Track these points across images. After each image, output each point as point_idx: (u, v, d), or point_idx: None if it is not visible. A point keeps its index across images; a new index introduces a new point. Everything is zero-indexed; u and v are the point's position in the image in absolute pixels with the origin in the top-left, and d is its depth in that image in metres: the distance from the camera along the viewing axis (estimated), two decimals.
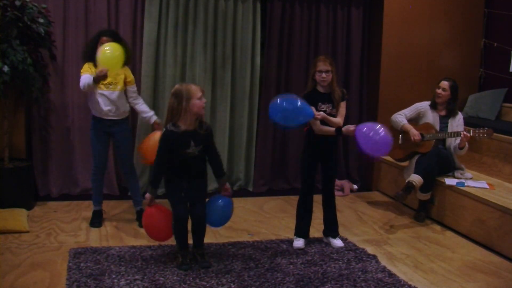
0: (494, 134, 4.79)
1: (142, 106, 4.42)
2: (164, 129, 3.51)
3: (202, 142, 3.54)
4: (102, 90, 4.20)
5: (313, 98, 3.89)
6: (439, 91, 4.83)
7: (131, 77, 4.35)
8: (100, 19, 5.09)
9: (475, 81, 5.99)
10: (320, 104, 3.89)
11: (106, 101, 4.20)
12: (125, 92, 4.32)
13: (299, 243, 4.06)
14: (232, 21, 5.46)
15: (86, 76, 4.08)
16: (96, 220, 4.41)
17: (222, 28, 5.42)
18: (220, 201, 3.72)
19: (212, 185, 4.69)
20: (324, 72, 3.85)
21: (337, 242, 4.11)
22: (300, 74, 5.66)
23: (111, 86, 4.22)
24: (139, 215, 4.49)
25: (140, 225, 4.43)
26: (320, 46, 5.71)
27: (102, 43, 4.09)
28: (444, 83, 4.83)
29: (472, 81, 5.97)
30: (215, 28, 5.41)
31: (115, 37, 4.19)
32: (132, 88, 4.36)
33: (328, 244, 4.14)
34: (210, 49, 5.40)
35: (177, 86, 3.54)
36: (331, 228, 4.17)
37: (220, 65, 5.44)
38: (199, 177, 3.64)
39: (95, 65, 4.09)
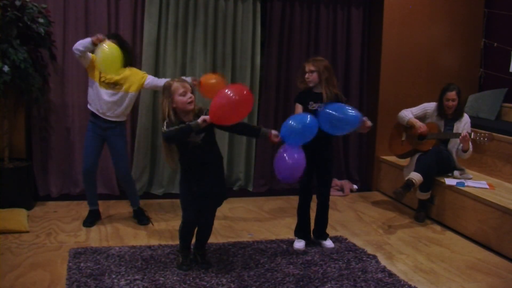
0: (494, 134, 4.78)
1: (157, 81, 4.32)
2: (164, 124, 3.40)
3: (202, 130, 3.38)
4: (106, 89, 4.19)
5: (305, 97, 3.99)
6: (449, 103, 4.79)
7: (141, 75, 4.29)
8: (100, 19, 5.09)
9: (475, 81, 5.99)
10: (311, 103, 3.94)
11: (107, 99, 4.18)
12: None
13: (300, 244, 4.06)
14: (232, 21, 5.46)
15: (85, 39, 4.04)
16: (89, 220, 4.41)
17: (222, 28, 5.42)
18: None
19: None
20: (307, 73, 3.94)
21: (328, 243, 4.11)
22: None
23: (116, 87, 4.21)
24: (136, 213, 4.53)
25: (140, 223, 4.44)
26: (320, 46, 5.71)
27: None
28: (452, 94, 4.78)
29: (472, 81, 5.97)
30: (215, 28, 5.41)
31: (119, 40, 4.20)
32: (148, 80, 4.29)
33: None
34: (210, 49, 5.40)
35: (164, 83, 3.51)
36: (321, 231, 4.16)
37: (220, 65, 5.44)
38: (215, 178, 3.51)
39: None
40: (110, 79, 4.18)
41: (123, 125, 4.39)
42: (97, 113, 4.23)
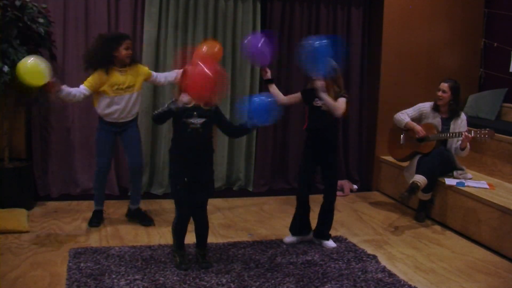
0: (494, 134, 4.78)
1: (164, 76, 4.45)
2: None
3: (205, 115, 3.51)
4: (122, 95, 4.18)
5: (310, 94, 4.00)
6: (440, 93, 4.80)
7: (146, 71, 4.36)
8: (100, 19, 5.09)
9: (475, 81, 5.99)
10: (316, 100, 3.97)
11: (124, 104, 4.20)
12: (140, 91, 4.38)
13: (291, 239, 4.11)
14: (232, 21, 5.46)
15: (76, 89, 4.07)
16: (95, 220, 4.41)
17: (222, 28, 5.42)
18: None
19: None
20: None
21: (330, 243, 4.11)
22: (300, 74, 5.64)
23: (129, 89, 4.21)
24: (136, 213, 4.51)
25: (141, 223, 4.43)
26: None
27: (127, 48, 4.12)
28: (444, 85, 4.80)
29: (472, 81, 5.96)
30: (215, 28, 5.41)
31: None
32: (153, 76, 4.38)
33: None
34: None
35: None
36: (325, 232, 4.17)
37: (220, 65, 5.43)
38: (204, 169, 3.59)
39: (107, 72, 4.10)
40: (123, 84, 4.17)
41: (137, 119, 4.45)
42: (116, 121, 4.23)
